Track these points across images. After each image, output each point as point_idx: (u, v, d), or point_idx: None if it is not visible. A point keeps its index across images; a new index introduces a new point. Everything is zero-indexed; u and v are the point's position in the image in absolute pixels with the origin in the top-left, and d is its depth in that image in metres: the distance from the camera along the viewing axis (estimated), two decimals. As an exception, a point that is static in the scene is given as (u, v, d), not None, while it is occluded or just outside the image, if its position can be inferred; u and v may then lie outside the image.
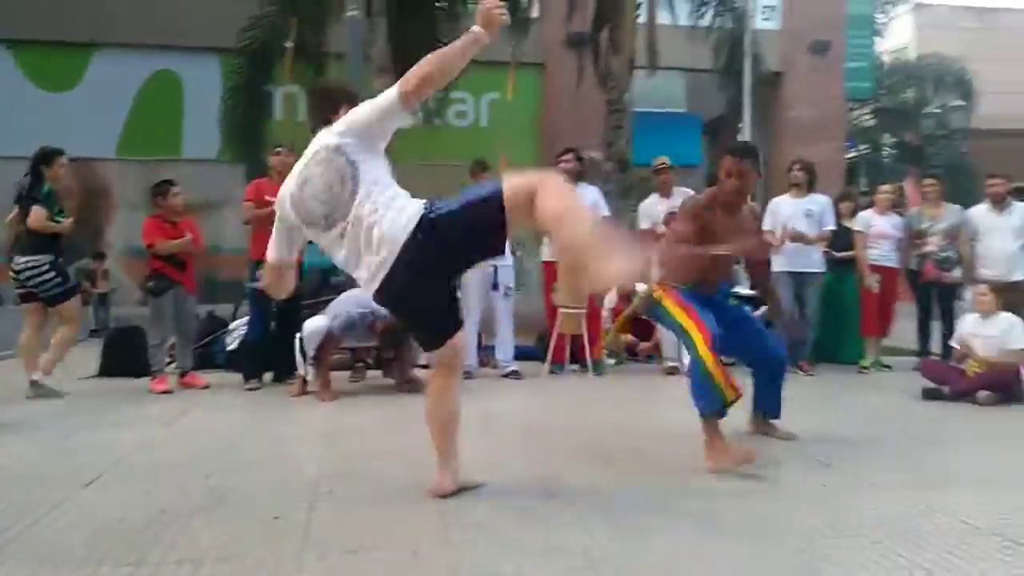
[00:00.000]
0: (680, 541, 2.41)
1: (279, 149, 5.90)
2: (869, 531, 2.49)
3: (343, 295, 5.48)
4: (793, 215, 6.40)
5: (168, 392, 5.42)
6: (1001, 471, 3.35)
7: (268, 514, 2.65)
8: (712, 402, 3.32)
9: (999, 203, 6.50)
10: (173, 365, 5.94)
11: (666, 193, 6.61)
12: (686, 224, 3.68)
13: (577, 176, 6.39)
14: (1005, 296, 5.73)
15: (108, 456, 3.50)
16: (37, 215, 5.16)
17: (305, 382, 5.27)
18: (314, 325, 5.19)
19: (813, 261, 6.47)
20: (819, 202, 6.50)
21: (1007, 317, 5.27)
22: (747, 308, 7.31)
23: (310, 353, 5.16)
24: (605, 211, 6.43)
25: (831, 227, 6.48)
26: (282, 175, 5.97)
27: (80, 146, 12.12)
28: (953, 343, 5.51)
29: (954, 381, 5.15)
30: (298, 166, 2.80)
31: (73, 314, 5.49)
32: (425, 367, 5.70)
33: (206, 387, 5.63)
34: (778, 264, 6.53)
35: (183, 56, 12.51)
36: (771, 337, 3.97)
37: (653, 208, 6.66)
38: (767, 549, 2.35)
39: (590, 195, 6.41)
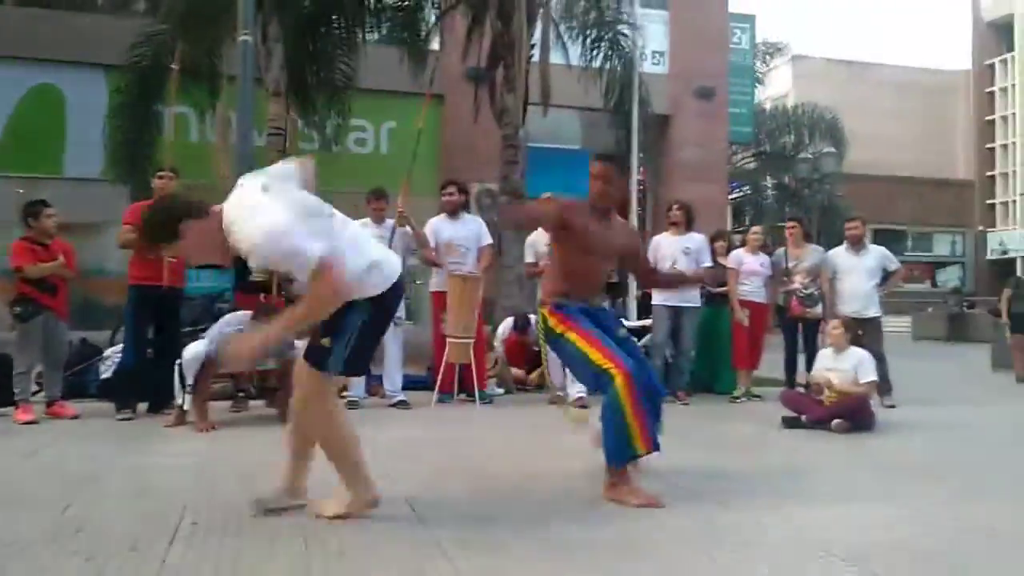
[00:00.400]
0: (544, 566, 2.53)
1: (162, 173, 5.82)
2: (708, 545, 2.68)
3: (222, 319, 5.40)
4: (672, 253, 6.80)
5: (33, 422, 5.17)
6: (837, 490, 3.65)
7: (124, 547, 2.60)
8: (620, 453, 3.28)
9: (856, 244, 7.09)
10: (41, 394, 5.67)
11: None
12: (549, 228, 3.79)
13: (460, 207, 6.61)
14: (863, 330, 6.26)
15: (-43, 490, 3.33)
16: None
17: (183, 412, 5.14)
18: (194, 351, 5.08)
19: (691, 296, 6.86)
20: (696, 240, 6.93)
21: (857, 352, 5.73)
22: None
23: (188, 380, 5.05)
24: (488, 240, 6.64)
25: (707, 264, 6.89)
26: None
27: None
28: (811, 377, 5.93)
29: (811, 410, 5.54)
30: None
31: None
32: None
33: (75, 417, 5.39)
34: (658, 298, 6.93)
35: (66, 70, 11.99)
36: (651, 368, 3.99)
37: (539, 242, 6.86)
38: (627, 566, 2.49)
39: (473, 225, 6.62)
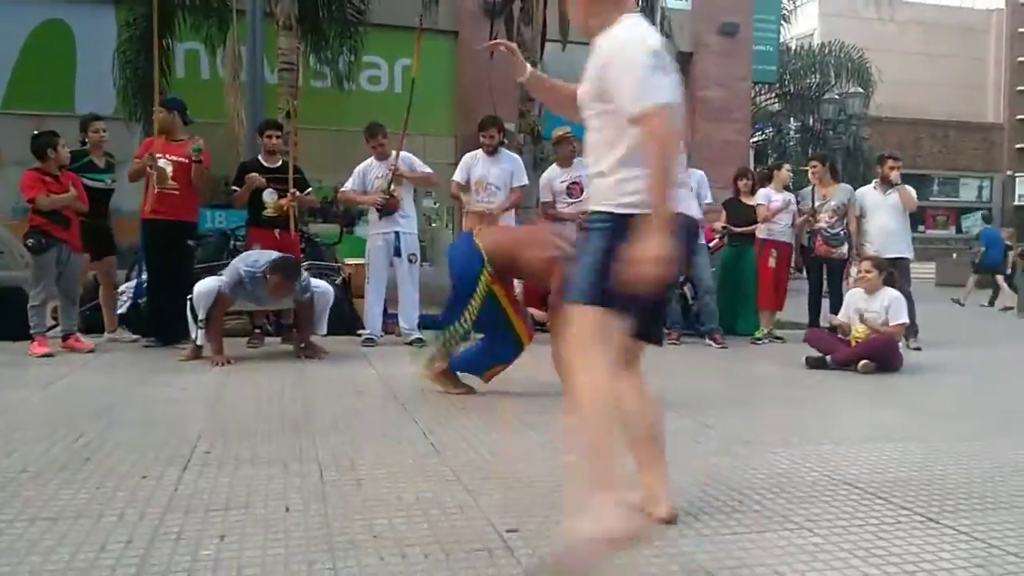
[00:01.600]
0: (560, 496, 2.46)
1: (160, 108, 5.83)
2: (737, 484, 2.60)
3: (239, 256, 5.31)
4: None
5: (49, 355, 5.15)
6: (868, 430, 3.56)
7: (136, 474, 2.56)
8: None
9: (887, 184, 6.84)
10: (57, 328, 5.65)
11: (566, 164, 6.62)
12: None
13: (498, 146, 6.41)
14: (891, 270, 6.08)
15: (-30, 419, 3.30)
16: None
17: (197, 346, 5.10)
18: (205, 286, 5.01)
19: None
20: (696, 176, 6.70)
21: (889, 292, 5.52)
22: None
23: (200, 315, 4.98)
24: (522, 180, 6.44)
25: (709, 200, 6.72)
26: (167, 134, 5.76)
27: (-41, 98, 11.31)
28: (839, 318, 5.77)
29: (836, 350, 5.41)
30: None
31: None
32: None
33: (91, 351, 5.38)
34: None
35: (74, 5, 11.73)
36: None
37: (554, 179, 6.68)
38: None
39: (508, 164, 6.41)
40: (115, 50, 10.42)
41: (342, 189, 6.46)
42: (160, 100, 6.12)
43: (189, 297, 5.05)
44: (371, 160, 6.29)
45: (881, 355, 5.26)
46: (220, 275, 5.15)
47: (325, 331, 5.64)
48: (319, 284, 5.50)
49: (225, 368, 4.84)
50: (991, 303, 13.05)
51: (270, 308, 5.65)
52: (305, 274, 5.42)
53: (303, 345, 5.40)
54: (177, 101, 5.98)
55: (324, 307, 5.46)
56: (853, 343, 5.40)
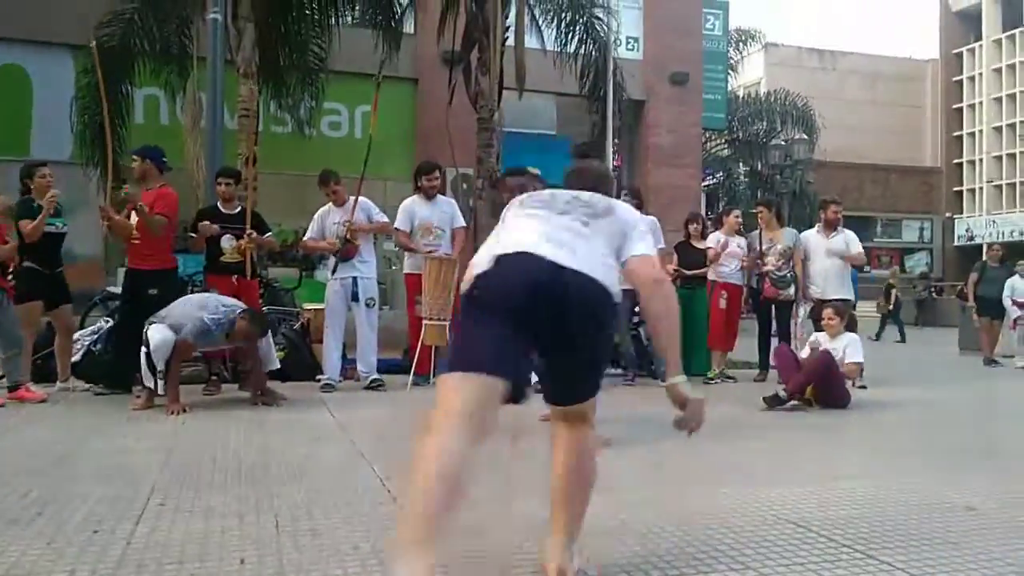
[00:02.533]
0: (524, 547, 2.51)
1: (135, 157, 5.85)
2: (686, 523, 2.68)
3: (180, 301, 5.27)
4: None
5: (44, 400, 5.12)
6: (817, 468, 3.68)
7: (88, 528, 2.54)
8: None
9: (831, 227, 7.14)
10: (2, 379, 5.54)
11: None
12: None
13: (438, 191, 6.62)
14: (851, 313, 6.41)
15: (-86, 474, 3.23)
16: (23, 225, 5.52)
17: (152, 394, 5.03)
18: (161, 336, 4.95)
19: None
20: (648, 222, 6.88)
21: (848, 335, 5.90)
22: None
23: (159, 366, 4.94)
24: (461, 222, 6.64)
25: (661, 245, 6.93)
26: (141, 182, 5.78)
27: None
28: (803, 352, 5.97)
29: (791, 379, 5.57)
30: None
31: (23, 320, 5.55)
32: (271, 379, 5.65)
33: (43, 401, 5.26)
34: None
35: (31, 50, 11.67)
36: None
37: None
38: (605, 542, 2.48)
39: (447, 207, 6.59)
40: (73, 96, 10.37)
41: (304, 238, 6.51)
42: (135, 149, 6.10)
43: (146, 350, 4.98)
44: (329, 206, 6.37)
45: (824, 378, 5.47)
46: (170, 324, 5.06)
47: (278, 364, 5.66)
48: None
49: (180, 416, 4.79)
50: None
51: (223, 346, 5.59)
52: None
53: (259, 392, 5.37)
54: (151, 149, 5.95)
55: (268, 343, 5.48)
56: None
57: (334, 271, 6.26)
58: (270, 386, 5.46)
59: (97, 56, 6.22)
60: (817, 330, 6.19)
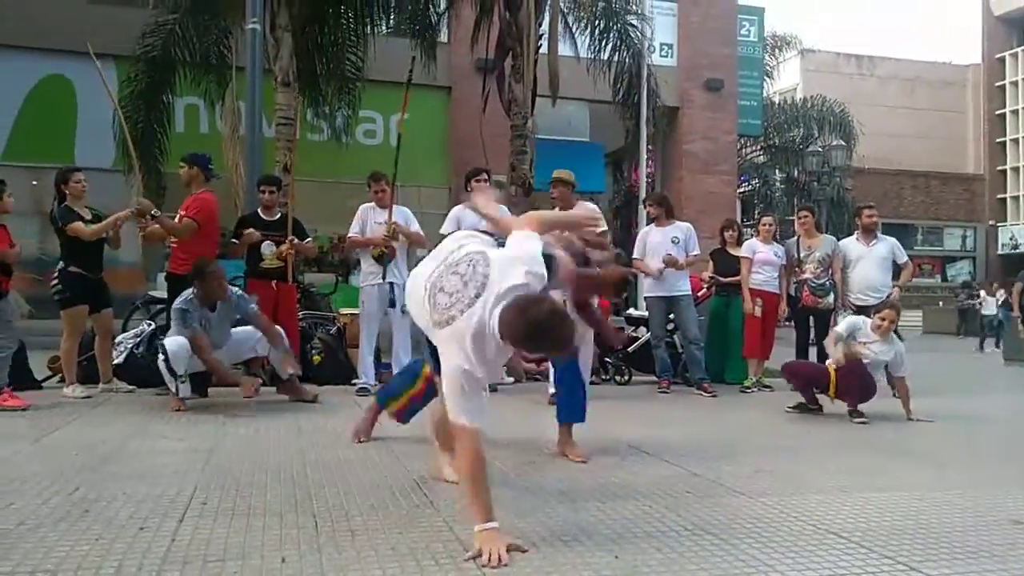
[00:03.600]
0: (548, 548, 2.51)
1: (183, 163, 6.01)
2: (723, 533, 2.66)
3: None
4: (661, 243, 6.82)
5: (22, 408, 5.06)
6: (854, 479, 3.62)
7: (134, 525, 2.59)
8: (386, 396, 4.05)
9: (869, 233, 7.03)
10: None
11: (564, 208, 6.55)
12: None
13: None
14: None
15: (-33, 471, 3.33)
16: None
17: (180, 399, 5.13)
18: (176, 343, 5.07)
19: (681, 285, 6.85)
20: (683, 229, 6.95)
21: (899, 345, 5.56)
22: (642, 330, 7.66)
23: (179, 371, 5.06)
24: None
25: (696, 252, 6.91)
26: (186, 186, 5.94)
27: (-41, 150, 11.45)
28: (837, 329, 5.78)
29: (817, 377, 5.49)
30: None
31: (68, 324, 5.66)
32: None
33: (24, 409, 5.08)
34: (650, 290, 6.99)
35: (76, 61, 11.97)
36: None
37: None
38: (640, 548, 2.47)
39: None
40: (116, 104, 10.64)
41: (349, 235, 6.49)
42: (184, 155, 6.23)
43: (163, 357, 5.09)
44: (373, 205, 6.39)
45: (859, 382, 5.30)
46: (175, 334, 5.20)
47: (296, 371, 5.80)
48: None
49: (220, 418, 4.87)
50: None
51: (245, 356, 5.68)
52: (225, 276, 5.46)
53: (287, 378, 5.54)
54: (200, 156, 6.09)
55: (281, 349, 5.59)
56: (831, 371, 5.43)
57: (367, 274, 6.26)
58: (297, 384, 5.64)
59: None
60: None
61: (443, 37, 11.71)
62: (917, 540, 2.65)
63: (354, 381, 6.41)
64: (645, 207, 7.24)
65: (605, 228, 6.17)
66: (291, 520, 2.70)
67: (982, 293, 17.72)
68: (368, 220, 6.37)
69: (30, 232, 10.71)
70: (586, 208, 6.22)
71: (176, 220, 5.89)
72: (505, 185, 10.13)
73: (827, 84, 23.81)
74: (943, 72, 34.97)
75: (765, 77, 18.00)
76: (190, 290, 5.25)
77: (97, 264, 5.89)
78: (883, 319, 5.49)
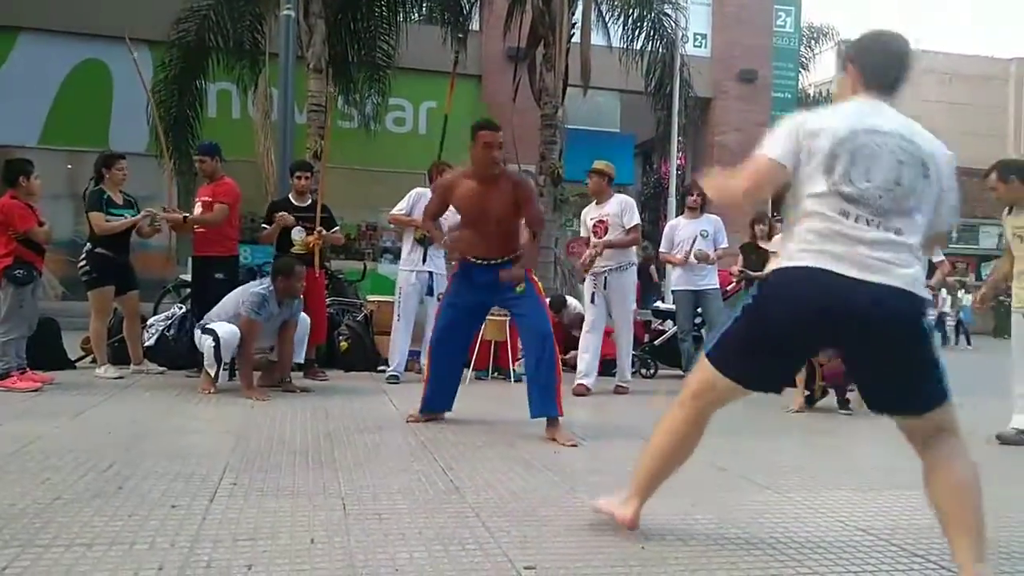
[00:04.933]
0: (574, 536, 2.51)
1: (203, 157, 6.11)
2: (751, 529, 2.64)
3: (219, 304, 5.35)
4: (690, 236, 6.76)
5: (36, 389, 5.08)
6: (886, 475, 3.57)
7: (167, 503, 2.64)
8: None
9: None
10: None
11: (598, 200, 6.23)
12: (435, 199, 4.40)
13: None
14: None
15: (8, 446, 3.41)
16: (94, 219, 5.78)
17: (212, 379, 5.19)
18: (227, 331, 5.10)
19: (710, 278, 6.80)
20: (712, 222, 6.87)
21: None
22: (668, 323, 7.61)
23: (225, 358, 5.12)
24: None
25: (725, 245, 6.84)
26: (209, 178, 6.03)
27: (-1, 133, 11.67)
28: None
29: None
30: None
31: (96, 305, 5.79)
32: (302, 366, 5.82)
33: (36, 390, 5.06)
34: (678, 283, 6.95)
35: (112, 46, 12.14)
36: (538, 315, 4.15)
37: (585, 216, 6.38)
38: (668, 543, 2.46)
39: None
40: (150, 89, 10.77)
41: (392, 212, 6.38)
42: (198, 148, 6.41)
43: (214, 343, 5.13)
44: (426, 192, 6.05)
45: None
46: (227, 319, 5.19)
47: (302, 358, 5.88)
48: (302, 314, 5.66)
49: (250, 400, 4.93)
50: None
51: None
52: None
53: (282, 378, 5.52)
54: (213, 146, 6.18)
55: (303, 334, 5.65)
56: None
57: (407, 258, 6.28)
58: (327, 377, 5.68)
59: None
60: None
61: (474, 25, 11.68)
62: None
63: (381, 368, 6.45)
64: (689, 196, 7.14)
65: (638, 221, 6.21)
66: (319, 502, 2.73)
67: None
68: (418, 203, 6.19)
69: (64, 214, 10.92)
70: (620, 202, 6.22)
71: (200, 208, 6.00)
72: (533, 174, 10.10)
73: (863, 77, 23.42)
74: (983, 66, 34.15)
75: (801, 69, 17.71)
76: (268, 280, 5.30)
77: (124, 247, 5.95)
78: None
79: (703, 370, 2.36)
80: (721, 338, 2.33)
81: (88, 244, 5.84)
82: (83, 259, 5.81)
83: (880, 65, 2.26)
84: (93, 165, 5.95)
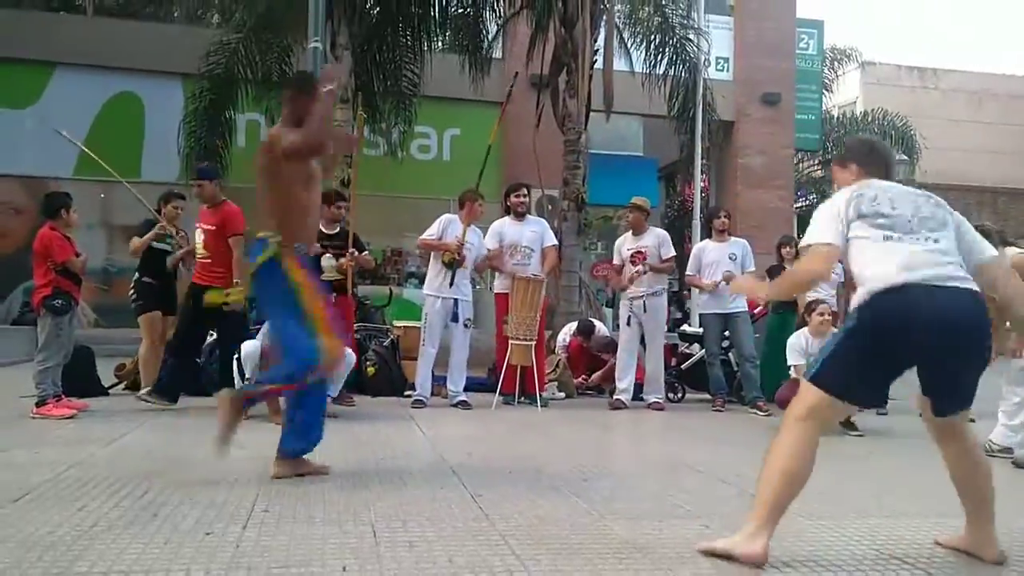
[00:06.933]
0: (604, 563, 2.50)
1: (202, 182, 6.03)
2: (782, 555, 2.61)
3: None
4: (718, 259, 6.76)
5: (70, 417, 5.15)
6: (918, 502, 3.52)
7: (200, 531, 2.67)
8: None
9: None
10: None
11: (636, 231, 6.85)
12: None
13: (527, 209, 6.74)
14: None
15: (45, 473, 3.47)
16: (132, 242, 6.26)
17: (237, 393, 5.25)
18: (252, 346, 5.20)
19: (738, 302, 6.77)
20: (740, 245, 6.90)
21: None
22: (695, 347, 7.58)
23: (247, 374, 5.18)
24: (552, 241, 6.70)
25: (752, 268, 6.83)
26: (207, 203, 6.03)
27: (34, 165, 12.00)
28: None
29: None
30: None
31: (145, 329, 6.10)
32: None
33: (71, 417, 5.15)
34: (706, 306, 6.98)
35: (146, 79, 12.50)
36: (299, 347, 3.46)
37: (621, 246, 6.93)
38: (685, 569, 2.44)
39: (537, 227, 6.66)
40: (181, 120, 11.03)
41: (423, 236, 6.51)
42: (196, 171, 6.54)
43: (236, 357, 5.23)
44: (456, 218, 6.40)
45: None
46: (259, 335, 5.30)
47: (336, 393, 5.78)
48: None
49: (277, 428, 4.95)
50: None
51: None
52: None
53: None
54: (211, 169, 6.29)
55: (346, 369, 5.55)
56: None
57: (433, 281, 6.35)
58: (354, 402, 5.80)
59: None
60: None
61: (497, 53, 11.83)
62: (988, 569, 2.55)
63: (407, 392, 6.48)
64: (716, 219, 7.19)
65: (673, 253, 6.63)
66: (350, 529, 2.75)
67: None
68: (448, 229, 6.35)
69: (97, 244, 11.16)
70: (656, 235, 6.69)
71: (202, 237, 5.84)
72: (556, 199, 10.16)
73: (888, 97, 23.20)
74: (1012, 85, 33.78)
75: (824, 91, 17.67)
76: None
77: (160, 271, 6.21)
78: (820, 314, 5.70)
79: (809, 393, 2.55)
80: (827, 360, 2.54)
81: (136, 273, 6.25)
82: (132, 288, 6.21)
83: (876, 161, 2.83)
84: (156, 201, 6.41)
